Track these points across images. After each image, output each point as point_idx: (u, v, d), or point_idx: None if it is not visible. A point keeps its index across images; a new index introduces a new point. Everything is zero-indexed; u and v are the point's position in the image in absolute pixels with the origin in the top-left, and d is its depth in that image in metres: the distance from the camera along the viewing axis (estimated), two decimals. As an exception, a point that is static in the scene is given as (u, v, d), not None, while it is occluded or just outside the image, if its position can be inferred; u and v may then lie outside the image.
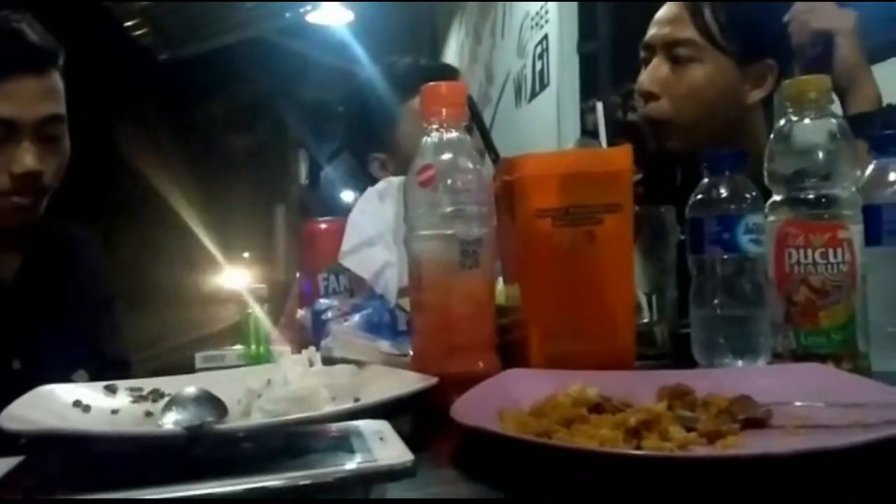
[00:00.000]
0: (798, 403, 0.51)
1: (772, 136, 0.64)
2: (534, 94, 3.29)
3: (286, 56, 5.63)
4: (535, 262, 0.70)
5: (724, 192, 0.76)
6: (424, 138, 0.65)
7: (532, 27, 3.24)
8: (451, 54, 4.95)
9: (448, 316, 0.62)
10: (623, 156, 0.69)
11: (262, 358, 0.96)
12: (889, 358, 0.67)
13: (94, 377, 1.09)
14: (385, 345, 0.69)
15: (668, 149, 1.15)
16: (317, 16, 4.95)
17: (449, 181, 0.63)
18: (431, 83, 0.65)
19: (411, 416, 0.59)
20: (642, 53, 1.17)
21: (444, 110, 0.64)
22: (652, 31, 1.15)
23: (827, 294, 0.61)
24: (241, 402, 0.57)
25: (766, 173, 0.64)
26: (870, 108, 1.01)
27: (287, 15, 5.29)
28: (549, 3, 3.00)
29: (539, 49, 3.17)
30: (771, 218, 0.64)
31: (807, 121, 0.62)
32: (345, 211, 0.87)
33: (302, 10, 5.18)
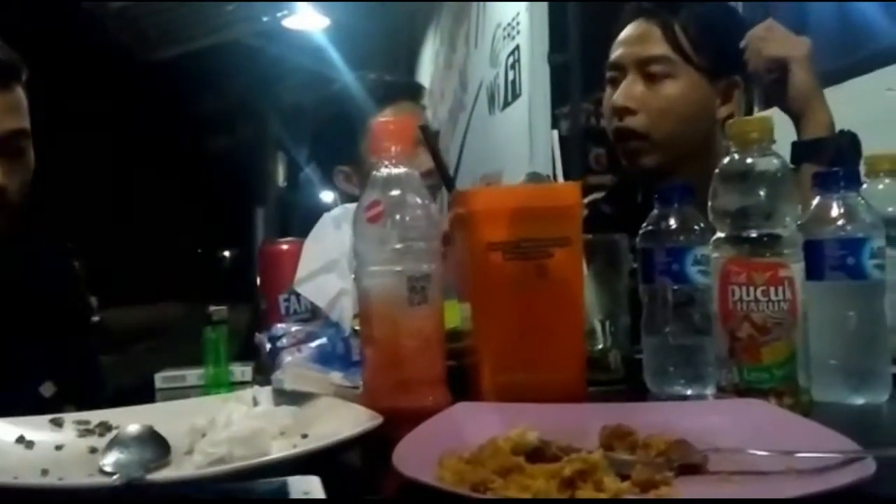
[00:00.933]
0: (735, 446, 0.51)
1: (716, 172, 0.64)
2: (506, 103, 3.30)
3: (264, 60, 5.59)
4: (486, 295, 0.69)
5: (673, 223, 0.76)
6: (374, 173, 0.64)
7: (504, 37, 3.25)
8: (427, 61, 4.95)
9: (397, 351, 0.62)
10: (572, 191, 0.69)
11: (222, 379, 0.94)
12: (832, 390, 0.68)
13: (62, 390, 1.08)
14: (338, 376, 0.68)
15: (641, 166, 1.13)
16: (293, 21, 4.92)
17: (397, 217, 0.62)
18: (381, 119, 0.64)
19: (361, 449, 0.58)
20: (610, 73, 1.15)
21: (393, 146, 0.63)
22: (620, 51, 1.14)
23: (769, 331, 0.61)
24: (185, 440, 0.56)
25: (709, 210, 0.64)
26: (823, 133, 1.01)
27: (265, 19, 5.25)
28: (521, 15, 3.00)
29: (511, 59, 3.17)
30: (715, 254, 0.64)
31: (749, 160, 0.62)
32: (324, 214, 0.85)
33: (279, 15, 5.14)
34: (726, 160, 0.64)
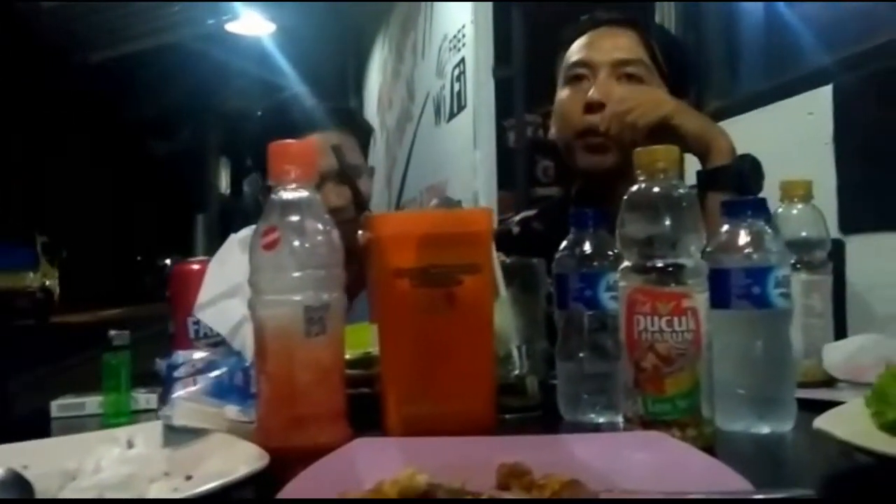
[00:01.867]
0: (631, 482, 0.50)
1: (624, 200, 0.64)
2: (452, 115, 3.30)
3: (207, 64, 5.48)
4: (392, 323, 0.68)
5: (587, 248, 0.76)
6: (271, 197, 0.61)
7: (450, 49, 3.25)
8: (375, 69, 4.93)
9: (292, 385, 0.59)
10: (483, 217, 0.68)
11: (122, 407, 0.90)
12: (738, 418, 0.68)
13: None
14: (233, 410, 0.65)
15: (602, 164, 1.13)
16: (237, 25, 4.85)
17: (295, 244, 0.60)
18: (279, 142, 0.62)
19: (253, 490, 0.56)
20: (577, 70, 1.16)
21: (292, 170, 0.61)
22: (592, 51, 1.16)
23: (672, 361, 0.61)
24: (54, 484, 0.53)
25: (617, 238, 0.64)
26: (726, 159, 1.03)
27: (210, 22, 5.15)
28: (466, 28, 3.01)
29: (457, 71, 3.18)
30: (622, 283, 0.64)
31: (656, 189, 0.62)
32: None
33: (224, 18, 5.05)
34: (633, 188, 0.64)
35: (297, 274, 0.59)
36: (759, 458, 0.65)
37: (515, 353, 0.83)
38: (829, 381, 0.86)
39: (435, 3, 3.47)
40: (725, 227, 0.70)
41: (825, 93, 1.25)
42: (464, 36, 3.06)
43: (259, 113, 1.45)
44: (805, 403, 0.72)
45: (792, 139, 1.28)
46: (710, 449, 0.62)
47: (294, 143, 0.62)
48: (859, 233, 1.20)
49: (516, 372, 0.83)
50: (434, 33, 3.52)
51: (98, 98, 5.31)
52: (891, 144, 1.17)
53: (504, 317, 0.81)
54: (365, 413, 0.66)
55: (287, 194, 0.61)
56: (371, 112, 5.05)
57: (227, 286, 0.75)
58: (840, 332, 0.97)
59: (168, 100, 6.03)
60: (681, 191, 0.62)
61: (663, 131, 1.04)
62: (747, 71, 1.64)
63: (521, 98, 2.89)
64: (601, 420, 0.75)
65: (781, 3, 1.57)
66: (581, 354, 0.77)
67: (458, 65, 3.15)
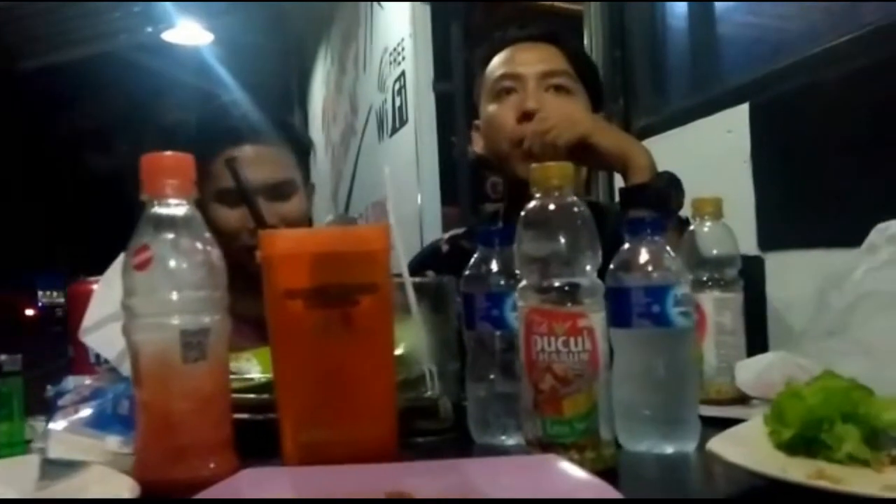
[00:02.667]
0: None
1: (520, 217, 0.63)
2: (394, 130, 3.29)
3: (146, 75, 5.35)
4: (286, 346, 0.65)
5: (493, 267, 0.75)
6: (144, 213, 0.59)
7: (391, 62, 3.25)
8: (319, 81, 4.89)
9: (169, 415, 0.56)
10: (379, 234, 0.67)
11: (15, 437, 0.85)
12: (642, 438, 0.68)
13: None
14: (114, 442, 0.62)
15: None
16: (174, 35, 4.74)
17: (171, 263, 0.57)
18: (152, 154, 0.59)
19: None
20: (506, 83, 1.18)
21: (168, 183, 0.59)
22: (518, 65, 1.18)
23: (570, 382, 0.60)
24: None
25: (515, 257, 0.63)
26: (645, 176, 1.05)
27: (148, 30, 5.03)
28: (405, 41, 3.01)
29: (398, 85, 3.17)
30: (520, 303, 0.63)
31: (551, 207, 0.62)
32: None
33: (161, 27, 4.94)
34: (529, 205, 0.63)
35: (172, 296, 0.57)
36: (662, 479, 0.65)
37: (428, 374, 0.81)
38: (743, 399, 0.87)
39: (375, 15, 3.46)
40: (626, 246, 0.70)
41: (742, 111, 1.28)
42: (403, 49, 3.06)
43: (190, 121, 1.41)
44: (717, 421, 0.72)
45: (713, 156, 1.30)
46: (611, 471, 0.61)
47: (170, 155, 0.60)
48: (778, 249, 1.22)
49: (429, 394, 0.82)
50: (375, 46, 3.51)
51: (29, 109, 5.13)
52: (806, 162, 1.20)
53: (416, 337, 0.80)
54: (271, 440, 0.64)
55: (162, 210, 0.58)
56: (316, 126, 5.00)
57: (114, 308, 0.71)
58: (761, 348, 0.99)
59: (104, 111, 5.87)
60: (576, 209, 0.62)
61: (583, 150, 1.06)
62: (675, 88, 1.68)
63: (463, 113, 2.90)
64: (511, 442, 0.74)
65: (706, 21, 1.61)
66: (491, 376, 0.75)
67: (398, 78, 3.15)
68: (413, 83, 2.97)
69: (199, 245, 0.58)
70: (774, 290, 1.23)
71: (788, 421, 0.60)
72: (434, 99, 2.96)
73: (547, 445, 0.61)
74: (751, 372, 0.87)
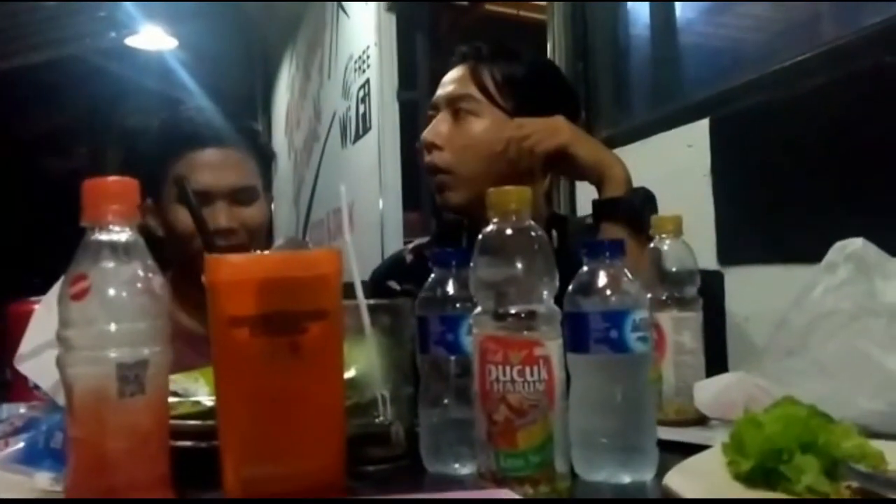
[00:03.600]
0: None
1: (477, 241, 0.61)
2: (358, 136, 3.26)
3: (106, 79, 5.24)
4: (230, 375, 0.62)
5: (449, 290, 0.73)
6: (84, 240, 0.55)
7: (356, 70, 3.22)
8: (283, 87, 4.84)
9: (103, 454, 0.53)
10: (330, 258, 0.64)
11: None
12: (599, 467, 0.66)
13: None
14: (44, 479, 0.58)
15: (447, 201, 1.15)
16: (137, 40, 4.65)
17: (110, 293, 0.54)
18: (94, 179, 0.56)
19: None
20: (429, 112, 1.19)
21: (109, 209, 0.55)
22: (437, 92, 1.18)
23: (524, 413, 0.58)
24: None
25: (470, 283, 0.61)
26: (620, 190, 1.04)
27: (112, 34, 4.92)
28: (371, 49, 2.98)
29: (362, 93, 3.14)
30: (475, 330, 0.61)
31: (508, 231, 0.60)
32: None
33: (124, 32, 4.84)
34: (486, 229, 0.61)
35: (110, 327, 0.53)
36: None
37: (380, 399, 0.79)
38: (702, 420, 0.86)
39: (341, 23, 3.43)
40: (584, 269, 0.68)
41: (703, 126, 1.28)
42: (368, 57, 3.04)
43: (153, 126, 1.38)
44: (675, 446, 0.71)
45: (673, 170, 1.30)
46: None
47: (112, 180, 0.56)
48: (737, 264, 1.23)
49: (380, 419, 0.79)
50: (340, 52, 3.48)
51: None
52: (766, 177, 1.21)
53: (369, 360, 0.77)
54: (215, 469, 0.61)
55: (103, 236, 0.55)
56: (279, 131, 4.95)
57: (52, 335, 0.68)
58: (721, 364, 0.98)
59: (64, 115, 5.73)
60: (533, 234, 0.60)
61: (560, 159, 1.05)
62: (637, 102, 1.68)
63: (426, 122, 2.88)
64: (465, 471, 0.71)
65: (668, 32, 1.62)
66: (445, 401, 0.73)
67: (363, 86, 3.12)
68: (377, 91, 2.95)
69: (140, 272, 0.55)
70: (734, 305, 1.23)
71: (747, 451, 0.59)
72: (398, 107, 2.95)
73: (501, 479, 0.59)
74: (709, 392, 0.86)
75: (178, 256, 1.23)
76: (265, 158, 1.37)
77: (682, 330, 0.88)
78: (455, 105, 1.14)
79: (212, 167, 1.23)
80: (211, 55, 5.05)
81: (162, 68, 5.00)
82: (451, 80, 1.16)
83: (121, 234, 0.56)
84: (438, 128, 1.14)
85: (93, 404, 0.53)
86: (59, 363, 0.54)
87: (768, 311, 1.19)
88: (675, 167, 1.32)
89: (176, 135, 1.26)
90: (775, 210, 1.17)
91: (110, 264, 0.54)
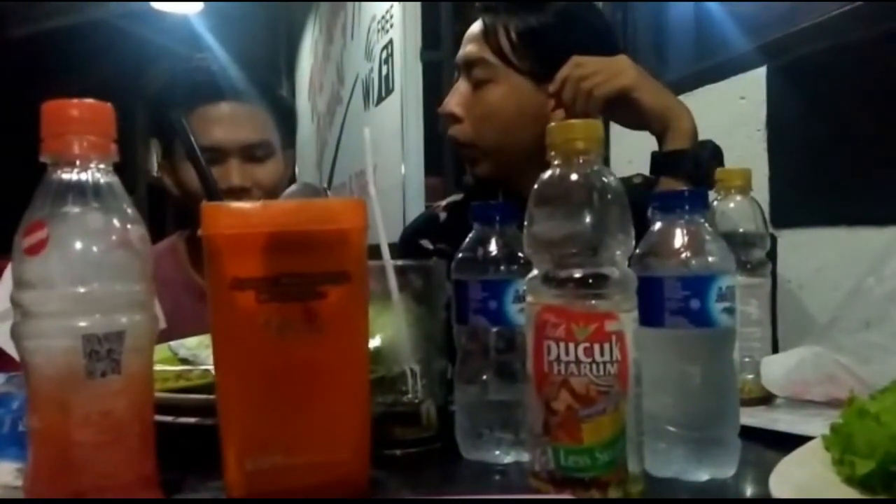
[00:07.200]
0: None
1: (533, 190, 0.47)
2: (380, 98, 3.10)
3: (132, 42, 5.09)
4: (232, 349, 0.49)
5: (492, 250, 0.59)
6: (44, 179, 0.42)
7: (378, 30, 3.05)
8: (307, 50, 4.66)
9: (68, 449, 0.40)
10: (354, 210, 0.50)
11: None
12: (670, 463, 0.53)
13: None
14: (8, 471, 0.46)
15: (476, 174, 1.03)
16: (163, 3, 4.49)
17: (76, 245, 0.41)
18: (55, 101, 0.42)
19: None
20: (455, 73, 1.05)
21: (75, 140, 0.42)
22: (459, 52, 1.03)
23: (592, 402, 0.45)
24: None
25: (524, 240, 0.48)
26: (685, 143, 0.88)
27: (135, -1, 4.76)
28: (394, 8, 2.80)
29: (385, 54, 2.98)
30: (530, 299, 0.47)
31: (574, 177, 0.46)
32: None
33: (150, -5, 4.69)
34: (545, 175, 0.47)
35: (76, 289, 0.40)
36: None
37: (409, 373, 0.66)
38: (766, 398, 0.73)
39: (364, -17, 3.25)
40: (657, 225, 0.54)
41: (758, 76, 1.11)
42: (391, 17, 2.86)
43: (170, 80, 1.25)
44: (743, 431, 0.58)
45: (722, 125, 1.14)
46: (638, 509, 0.46)
47: (79, 102, 0.43)
48: (793, 227, 1.07)
49: (409, 397, 0.66)
50: (363, 14, 3.29)
51: (16, 76, 4.86)
52: (826, 132, 1.05)
53: (397, 329, 0.64)
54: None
55: (66, 174, 0.42)
56: (303, 95, 4.79)
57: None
58: (771, 336, 0.85)
59: (92, 79, 5.59)
60: (605, 179, 0.46)
61: (621, 104, 0.89)
62: (676, 55, 1.51)
63: (450, 82, 2.72)
64: (507, 460, 0.59)
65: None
66: (484, 377, 0.60)
67: (385, 46, 2.95)
68: (401, 52, 2.78)
69: (115, 221, 0.41)
70: (787, 271, 1.08)
71: (861, 450, 0.46)
72: (421, 68, 2.78)
73: (560, 481, 0.46)
74: (780, 369, 0.73)
75: (192, 216, 1.12)
76: (283, 113, 1.25)
77: (748, 298, 0.74)
78: (471, 71, 1.00)
79: (224, 121, 1.12)
80: (235, 19, 4.90)
81: (188, 32, 4.87)
82: (469, 40, 1.02)
83: (91, 173, 0.42)
84: (457, 96, 1.01)
85: (55, 387, 0.40)
86: (15, 334, 0.41)
87: (829, 279, 1.04)
88: (724, 121, 1.16)
89: (187, 88, 1.14)
90: (840, 167, 1.01)
91: (75, 209, 0.41)
